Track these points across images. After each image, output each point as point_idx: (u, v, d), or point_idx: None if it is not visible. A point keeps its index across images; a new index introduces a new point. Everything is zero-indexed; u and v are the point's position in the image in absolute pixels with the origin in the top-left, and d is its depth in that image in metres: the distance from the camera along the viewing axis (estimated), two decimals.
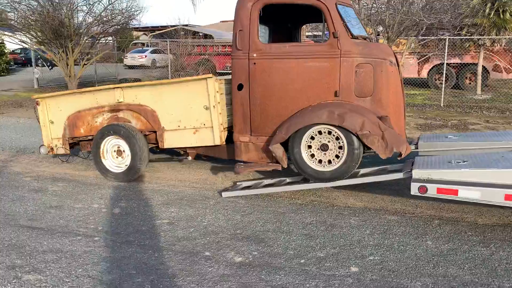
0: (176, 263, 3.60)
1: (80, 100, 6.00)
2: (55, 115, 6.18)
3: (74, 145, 6.34)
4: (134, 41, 30.60)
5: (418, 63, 17.12)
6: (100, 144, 5.82)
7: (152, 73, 19.66)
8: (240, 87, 5.12)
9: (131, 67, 25.60)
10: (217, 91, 5.25)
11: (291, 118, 4.89)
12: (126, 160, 5.80)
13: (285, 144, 4.96)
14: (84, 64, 13.97)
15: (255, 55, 4.98)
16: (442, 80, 14.08)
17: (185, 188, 5.59)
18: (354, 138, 4.62)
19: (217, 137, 5.38)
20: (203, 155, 5.91)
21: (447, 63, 15.67)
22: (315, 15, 5.00)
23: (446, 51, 13.34)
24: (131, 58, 26.10)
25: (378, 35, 17.57)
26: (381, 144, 4.51)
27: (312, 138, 4.82)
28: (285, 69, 4.91)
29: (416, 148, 5.33)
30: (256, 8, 4.95)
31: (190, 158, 5.89)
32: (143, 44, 29.92)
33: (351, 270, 3.47)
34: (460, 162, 4.38)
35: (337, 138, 4.73)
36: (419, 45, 16.57)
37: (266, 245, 3.91)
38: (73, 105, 6.03)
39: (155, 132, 5.71)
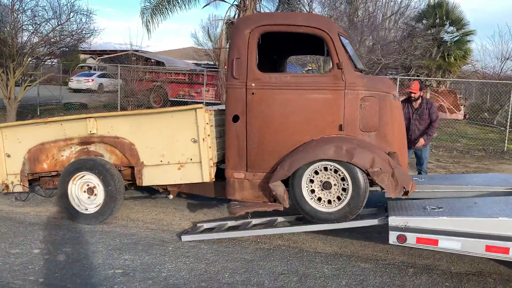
0: None
1: (44, 131, 5.35)
2: (13, 147, 5.47)
3: (31, 182, 5.63)
4: (81, 64, 29.46)
5: None
6: (68, 181, 5.15)
7: (99, 98, 18.86)
8: (235, 118, 4.65)
9: (76, 90, 24.52)
10: (207, 123, 4.82)
11: (293, 153, 4.48)
12: (98, 199, 5.17)
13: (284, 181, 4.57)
14: (27, 86, 13.02)
15: (253, 84, 4.58)
16: None
17: (139, 230, 5.07)
18: (361, 178, 4.27)
19: (206, 174, 4.88)
20: (185, 193, 5.44)
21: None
22: (313, 45, 4.74)
23: (397, 89, 13.68)
24: (77, 82, 25.04)
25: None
26: (391, 182, 4.21)
27: (317, 173, 4.43)
28: (286, 101, 4.54)
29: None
30: (254, 35, 4.59)
31: (171, 196, 5.38)
32: (90, 67, 28.88)
33: None
34: (435, 208, 4.23)
35: (343, 179, 4.37)
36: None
37: None
38: (35, 137, 5.36)
39: (131, 167, 5.18)
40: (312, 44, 5.45)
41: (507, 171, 9.57)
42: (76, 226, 5.09)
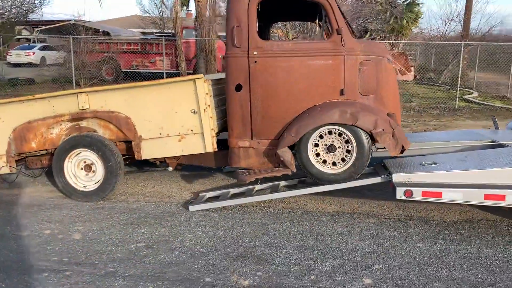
0: None
1: (30, 109, 5.08)
2: None
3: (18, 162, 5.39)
4: (17, 37, 27.55)
5: None
6: (64, 159, 5.01)
7: (46, 72, 17.92)
8: (238, 87, 4.66)
9: (16, 65, 23.06)
10: (207, 93, 4.79)
11: (299, 119, 4.58)
12: (97, 176, 5.07)
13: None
14: None
15: (256, 53, 4.57)
16: None
17: (143, 204, 5.06)
18: (365, 139, 4.49)
19: (208, 144, 4.89)
20: (184, 164, 5.44)
21: None
22: (303, 11, 4.76)
23: None
24: (16, 55, 23.51)
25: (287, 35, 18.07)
26: (392, 141, 4.46)
27: (321, 137, 4.60)
28: (289, 68, 4.59)
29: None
30: (254, 2, 4.57)
31: (170, 168, 5.37)
32: (28, 40, 27.10)
33: (365, 282, 3.38)
34: (431, 164, 4.56)
35: (347, 142, 4.57)
36: None
37: (267, 263, 3.66)
38: (21, 115, 5.09)
39: (128, 142, 5.09)
40: (301, 10, 5.53)
41: (464, 126, 10.28)
42: (76, 204, 5.00)
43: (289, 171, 4.65)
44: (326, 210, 4.90)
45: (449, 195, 4.14)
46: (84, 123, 5.10)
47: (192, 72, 16.59)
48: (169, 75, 16.04)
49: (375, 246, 4.00)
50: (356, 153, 4.53)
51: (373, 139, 4.55)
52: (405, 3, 15.28)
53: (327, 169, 4.62)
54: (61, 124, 5.13)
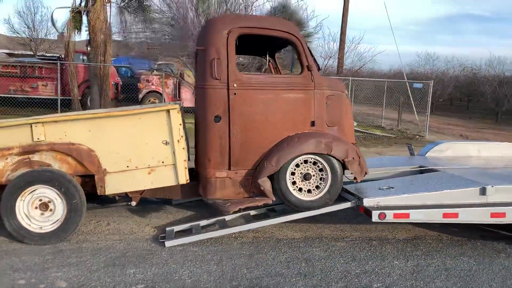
0: None
1: None
2: None
3: None
4: None
5: None
6: (16, 198, 4.43)
7: None
8: (217, 118, 4.68)
9: None
10: (180, 124, 4.68)
11: (278, 149, 4.73)
12: (55, 215, 4.56)
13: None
14: None
15: (235, 85, 4.66)
16: None
17: (110, 243, 4.72)
18: (338, 167, 4.84)
19: (181, 175, 4.74)
20: (146, 197, 5.20)
21: None
22: (274, 48, 4.96)
23: None
24: None
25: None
26: (359, 168, 4.89)
27: (297, 165, 4.82)
28: (266, 100, 4.76)
29: None
30: (233, 36, 4.68)
31: (134, 203, 5.02)
32: None
33: None
34: (388, 188, 5.12)
35: (321, 170, 4.86)
36: None
37: None
38: None
39: (86, 176, 4.71)
40: (268, 46, 5.83)
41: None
42: (32, 248, 4.45)
43: (269, 200, 4.80)
44: (296, 237, 5.13)
45: (415, 216, 4.72)
46: (36, 157, 4.60)
47: (80, 98, 15.65)
48: (54, 102, 14.94)
49: (361, 267, 4.34)
50: (330, 180, 4.88)
51: (343, 167, 4.96)
52: None
53: (304, 197, 4.88)
54: (6, 158, 4.55)
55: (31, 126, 4.52)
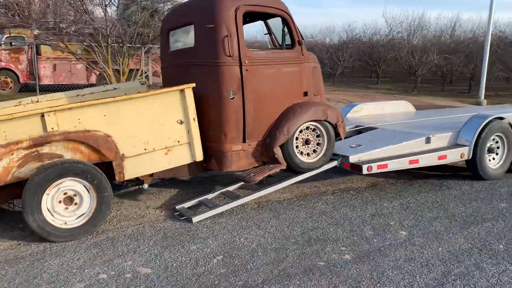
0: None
1: None
2: None
3: None
4: None
5: (86, 68, 17.14)
6: (43, 192, 4.05)
7: None
8: (232, 94, 4.89)
9: None
10: (193, 102, 4.78)
11: (286, 119, 5.18)
12: (82, 209, 4.26)
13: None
14: None
15: (246, 61, 4.89)
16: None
17: (137, 227, 4.67)
18: (331, 131, 5.56)
19: (198, 153, 4.87)
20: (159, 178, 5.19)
21: (116, 70, 16.66)
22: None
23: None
24: None
25: (36, 38, 16.41)
26: (343, 130, 5.70)
27: (300, 131, 5.39)
28: (270, 74, 5.10)
29: None
30: (240, 13, 4.86)
31: (146, 186, 4.92)
32: None
33: (402, 234, 4.60)
34: (356, 145, 6.08)
35: (318, 135, 5.51)
36: (85, 50, 16.58)
37: (343, 238, 4.36)
38: None
39: (103, 163, 4.46)
40: (251, 19, 6.07)
41: None
42: (60, 247, 4.17)
43: (283, 166, 5.29)
44: (288, 197, 5.75)
45: (391, 165, 5.77)
46: (46, 149, 4.23)
47: None
48: None
49: (365, 211, 5.21)
50: (326, 144, 5.59)
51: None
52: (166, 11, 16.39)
53: (306, 159, 5.51)
54: (12, 154, 4.09)
55: (43, 116, 4.14)
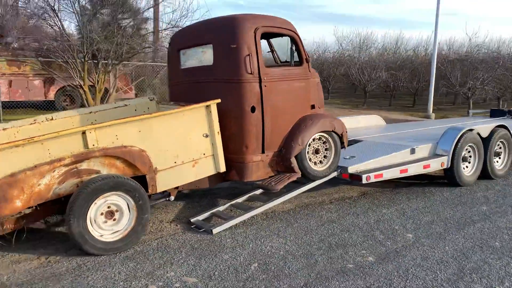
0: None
1: (14, 157, 3.75)
2: None
3: None
4: None
5: (44, 84, 16.65)
6: (93, 200, 4.15)
7: None
8: (253, 109, 5.18)
9: None
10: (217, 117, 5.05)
11: (299, 130, 5.54)
12: (118, 226, 4.35)
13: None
14: None
15: (265, 78, 5.23)
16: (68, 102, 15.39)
17: (161, 240, 4.78)
18: (338, 141, 5.95)
19: (222, 164, 5.12)
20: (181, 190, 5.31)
21: (73, 85, 16.45)
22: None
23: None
24: None
25: None
26: (346, 139, 6.11)
27: (311, 142, 5.73)
28: (283, 90, 5.45)
29: None
30: (259, 33, 5.20)
31: (172, 198, 5.08)
32: None
33: (409, 236, 5.04)
34: (350, 157, 6.52)
35: (324, 143, 5.89)
36: (43, 67, 16.14)
37: (369, 240, 4.71)
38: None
39: (135, 177, 4.56)
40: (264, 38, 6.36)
41: None
42: (107, 259, 4.22)
43: (299, 174, 5.65)
44: (291, 208, 6.07)
45: (385, 175, 6.25)
46: (84, 165, 4.30)
47: None
48: None
49: (368, 218, 5.63)
50: (334, 153, 6.00)
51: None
52: (133, 27, 16.29)
53: (317, 167, 5.87)
54: (54, 171, 4.13)
55: (84, 133, 4.22)
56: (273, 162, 5.57)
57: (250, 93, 5.21)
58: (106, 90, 13.88)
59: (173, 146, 4.83)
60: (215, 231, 5.02)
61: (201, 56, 5.61)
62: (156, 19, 23.25)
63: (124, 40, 14.55)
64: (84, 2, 13.70)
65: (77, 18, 12.05)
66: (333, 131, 5.92)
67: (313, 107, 5.90)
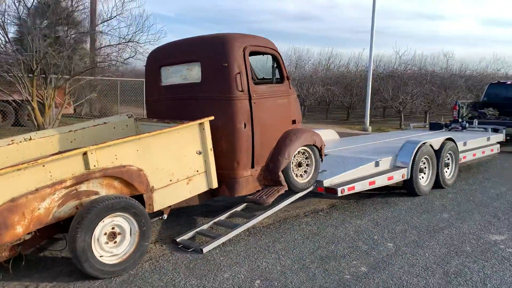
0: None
1: (14, 181, 3.48)
2: None
3: None
4: None
5: None
6: (103, 218, 4.04)
7: None
8: (244, 125, 5.27)
9: None
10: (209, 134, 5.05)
11: (285, 145, 5.68)
12: (118, 249, 4.19)
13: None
14: None
15: (254, 95, 5.33)
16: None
17: (153, 262, 4.66)
18: (318, 154, 6.16)
19: (214, 180, 5.12)
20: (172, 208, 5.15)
21: (5, 100, 15.66)
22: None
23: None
24: None
25: None
26: (323, 152, 6.32)
27: (294, 156, 5.88)
28: (270, 106, 5.58)
29: None
30: (247, 52, 5.29)
31: (165, 216, 4.94)
32: None
33: (390, 245, 5.33)
34: (321, 171, 6.78)
35: (306, 158, 6.08)
36: None
37: (356, 251, 4.90)
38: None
39: (133, 196, 4.43)
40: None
41: None
42: (95, 286, 4.04)
43: (286, 187, 5.79)
44: (270, 222, 6.18)
45: (357, 187, 6.56)
46: (84, 186, 4.14)
47: None
48: None
49: (352, 228, 5.88)
50: (314, 166, 6.21)
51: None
52: (75, 40, 15.62)
53: (300, 180, 6.05)
54: (54, 194, 3.93)
55: (85, 154, 4.07)
56: (261, 176, 5.68)
57: (241, 110, 5.30)
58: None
59: (169, 164, 4.78)
60: (205, 250, 4.98)
61: (186, 73, 5.59)
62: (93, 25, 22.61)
63: (69, 54, 13.94)
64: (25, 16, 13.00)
65: (25, 30, 11.41)
66: (313, 144, 6.14)
67: (294, 122, 6.10)
